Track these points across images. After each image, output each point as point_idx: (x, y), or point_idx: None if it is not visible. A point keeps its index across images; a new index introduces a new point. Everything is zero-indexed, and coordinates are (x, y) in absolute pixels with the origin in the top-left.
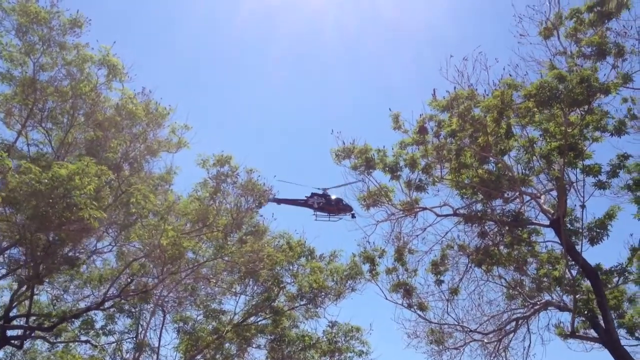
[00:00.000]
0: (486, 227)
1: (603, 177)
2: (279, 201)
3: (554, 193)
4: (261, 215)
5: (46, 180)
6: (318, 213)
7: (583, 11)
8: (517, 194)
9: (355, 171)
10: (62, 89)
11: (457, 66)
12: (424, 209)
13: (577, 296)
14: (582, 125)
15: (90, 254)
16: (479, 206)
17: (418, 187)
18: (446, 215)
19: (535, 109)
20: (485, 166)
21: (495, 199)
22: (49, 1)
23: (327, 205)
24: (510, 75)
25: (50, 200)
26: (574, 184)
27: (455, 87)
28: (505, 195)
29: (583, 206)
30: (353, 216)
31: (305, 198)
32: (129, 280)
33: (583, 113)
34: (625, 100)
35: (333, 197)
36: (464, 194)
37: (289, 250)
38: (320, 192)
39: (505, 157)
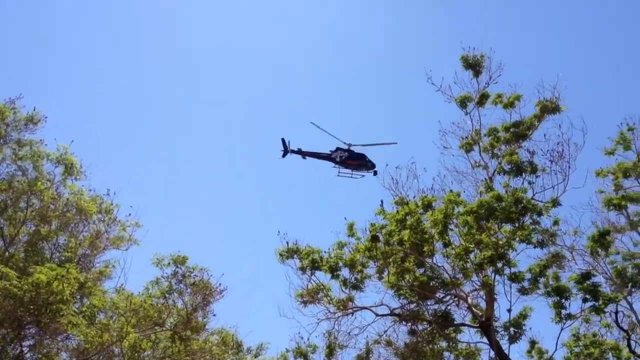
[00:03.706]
0: (416, 326)
1: (526, 284)
2: (304, 154)
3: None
4: (215, 315)
5: (26, 286)
6: (341, 169)
7: (500, 130)
8: (448, 295)
9: (301, 272)
10: (15, 185)
11: (391, 174)
12: (363, 308)
13: None
14: (512, 238)
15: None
16: (412, 306)
17: (354, 286)
18: (384, 315)
19: (473, 223)
20: (421, 270)
21: (429, 299)
22: (7, 99)
23: (349, 159)
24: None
25: (32, 307)
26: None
27: (400, 196)
28: (437, 296)
29: (509, 310)
30: (375, 173)
31: (330, 152)
32: None
33: (515, 227)
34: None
35: (356, 152)
36: (401, 294)
37: (223, 345)
38: (346, 147)
39: (442, 262)
